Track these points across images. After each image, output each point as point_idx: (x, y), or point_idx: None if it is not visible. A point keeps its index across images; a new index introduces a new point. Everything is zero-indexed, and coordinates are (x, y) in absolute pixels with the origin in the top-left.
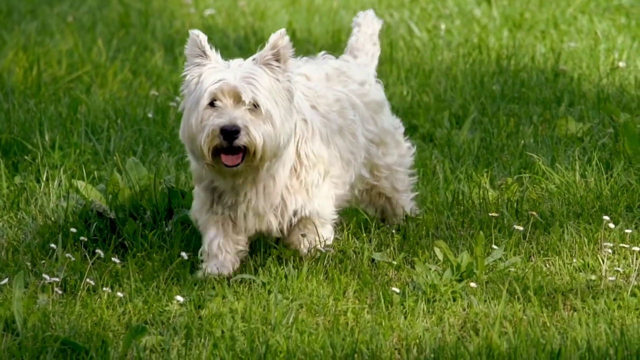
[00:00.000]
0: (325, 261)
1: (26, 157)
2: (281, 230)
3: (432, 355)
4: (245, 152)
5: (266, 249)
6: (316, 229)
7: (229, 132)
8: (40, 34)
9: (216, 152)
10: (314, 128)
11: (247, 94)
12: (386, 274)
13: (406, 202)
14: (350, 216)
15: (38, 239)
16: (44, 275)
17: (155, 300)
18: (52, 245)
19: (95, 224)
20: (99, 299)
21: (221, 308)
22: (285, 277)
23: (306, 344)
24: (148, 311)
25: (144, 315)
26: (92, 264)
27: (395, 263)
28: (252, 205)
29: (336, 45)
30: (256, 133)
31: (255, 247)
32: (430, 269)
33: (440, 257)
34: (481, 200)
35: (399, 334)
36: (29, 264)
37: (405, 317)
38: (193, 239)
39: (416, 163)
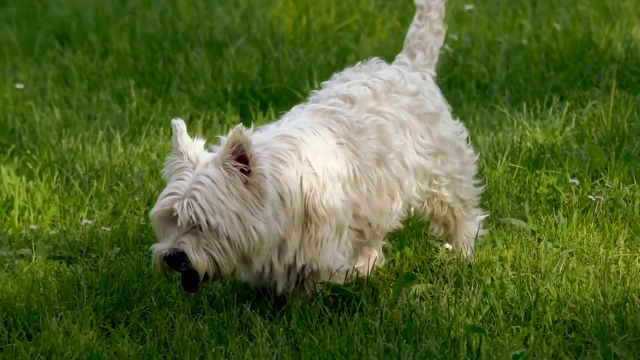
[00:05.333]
0: (596, 210)
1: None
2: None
3: None
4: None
5: (537, 196)
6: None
7: (171, 261)
8: None
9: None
10: (325, 180)
11: (184, 216)
12: None
13: (471, 222)
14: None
15: None
16: None
17: (425, 248)
18: None
19: None
20: None
21: (491, 256)
22: (555, 225)
23: (577, 292)
24: (418, 259)
25: (414, 263)
26: None
27: None
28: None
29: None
30: (199, 257)
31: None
32: None
33: None
34: None
35: None
36: None
37: None
38: None
39: None
